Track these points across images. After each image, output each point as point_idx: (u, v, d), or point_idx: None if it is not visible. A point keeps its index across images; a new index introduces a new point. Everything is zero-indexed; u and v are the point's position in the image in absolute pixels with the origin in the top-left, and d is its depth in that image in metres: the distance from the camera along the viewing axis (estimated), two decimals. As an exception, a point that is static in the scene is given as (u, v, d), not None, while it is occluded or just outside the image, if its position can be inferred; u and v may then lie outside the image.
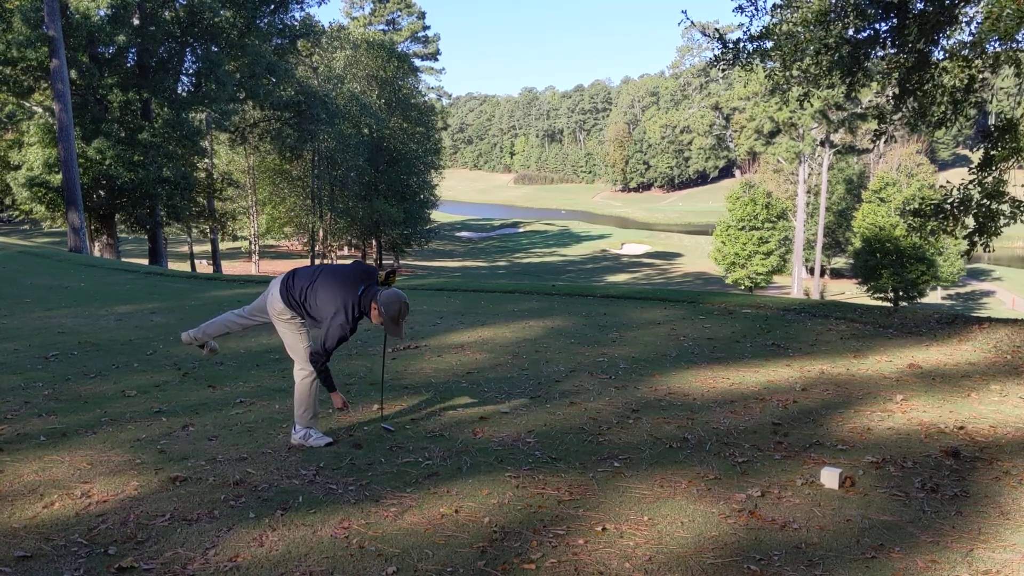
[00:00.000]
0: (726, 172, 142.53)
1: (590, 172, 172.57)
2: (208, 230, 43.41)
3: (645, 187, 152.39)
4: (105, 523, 4.08)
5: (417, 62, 68.44)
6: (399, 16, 71.26)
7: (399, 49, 63.05)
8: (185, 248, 52.76)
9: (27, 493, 4.48)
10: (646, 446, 5.24)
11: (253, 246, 53.19)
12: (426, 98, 68.27)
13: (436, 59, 76.30)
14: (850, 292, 52.38)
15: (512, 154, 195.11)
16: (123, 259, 31.42)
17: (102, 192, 30.46)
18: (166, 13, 32.57)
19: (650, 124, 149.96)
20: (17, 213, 36.12)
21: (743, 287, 50.69)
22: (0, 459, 5.02)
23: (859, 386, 6.68)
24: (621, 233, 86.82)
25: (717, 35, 12.56)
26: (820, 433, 5.49)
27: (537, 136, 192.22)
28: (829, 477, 4.55)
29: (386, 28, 70.65)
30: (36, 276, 14.91)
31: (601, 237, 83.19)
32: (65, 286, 13.72)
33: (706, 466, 4.86)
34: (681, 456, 5.05)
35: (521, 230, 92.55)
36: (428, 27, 73.85)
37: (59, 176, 26.72)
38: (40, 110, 30.41)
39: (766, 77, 12.53)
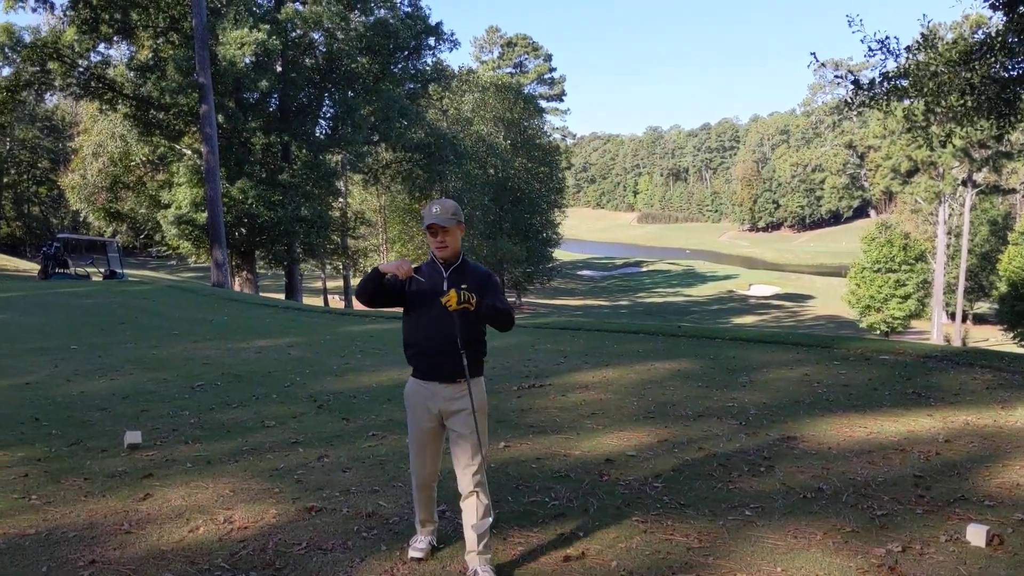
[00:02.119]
0: (860, 212, 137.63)
1: (716, 211, 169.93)
2: (341, 266, 45.02)
3: (774, 227, 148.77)
4: (246, 549, 4.26)
5: (543, 103, 69.50)
6: (526, 59, 72.65)
7: (525, 91, 64.22)
8: (319, 283, 54.84)
9: (174, 517, 4.74)
10: (779, 495, 5.09)
11: (382, 282, 54.63)
12: (550, 138, 69.08)
13: (561, 100, 77.32)
14: (995, 339, 49.35)
15: (635, 193, 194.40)
16: (261, 293, 32.93)
17: (244, 230, 32.04)
18: (307, 60, 34.23)
19: (780, 162, 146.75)
20: (165, 249, 38.46)
21: (879, 332, 48.54)
22: (150, 483, 5.33)
23: (1007, 439, 6.28)
24: (748, 274, 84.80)
25: (850, 75, 12.28)
26: (965, 487, 5.19)
27: (661, 175, 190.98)
28: (975, 534, 4.30)
29: (513, 71, 72.11)
30: (183, 310, 15.81)
31: (727, 277, 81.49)
32: (209, 319, 14.48)
33: (843, 518, 4.67)
34: (816, 507, 4.87)
35: (644, 269, 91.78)
36: (554, 69, 75.04)
37: (205, 214, 28.31)
38: (189, 152, 32.36)
39: (904, 116, 12.13)
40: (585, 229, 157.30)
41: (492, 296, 3.95)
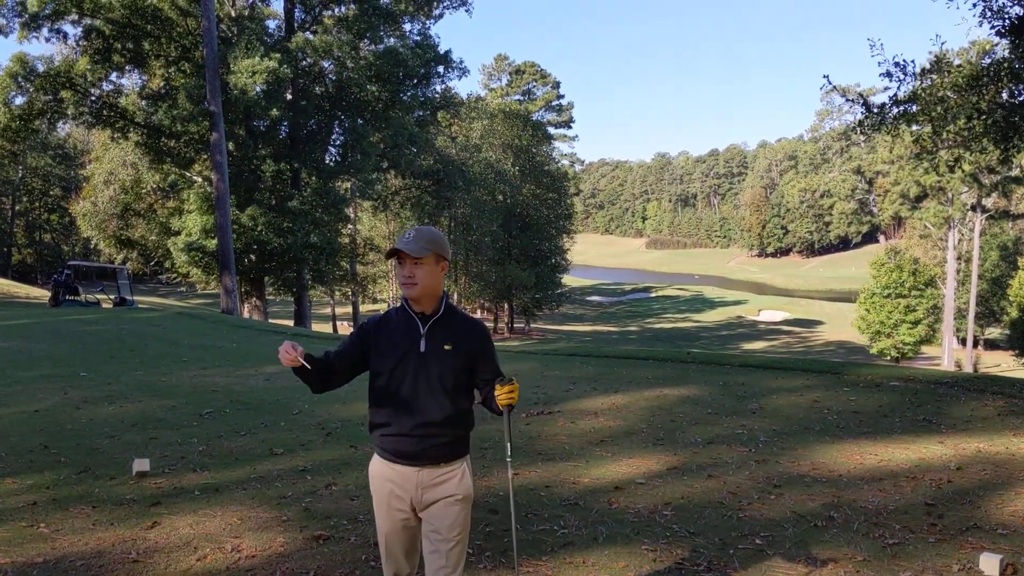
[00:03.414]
0: (869, 237, 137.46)
1: (725, 237, 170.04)
2: (350, 293, 45.15)
3: (783, 252, 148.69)
4: (254, 577, 4.24)
5: (551, 130, 69.87)
6: (534, 86, 73.11)
7: (534, 118, 64.61)
8: (328, 310, 54.96)
9: (182, 546, 4.72)
10: (789, 523, 5.04)
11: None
12: (559, 164, 69.43)
13: (569, 127, 77.71)
14: (1006, 365, 49.01)
15: (644, 218, 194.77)
16: (271, 320, 33.01)
17: (253, 256, 32.18)
18: (317, 88, 34.55)
19: (788, 188, 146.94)
20: (175, 276, 38.64)
21: (889, 358, 48.30)
22: (158, 511, 5.32)
23: (1020, 466, 6.22)
24: (758, 299, 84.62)
25: (860, 99, 12.31)
26: (978, 516, 5.14)
27: (670, 200, 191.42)
28: (989, 564, 4.25)
29: (521, 98, 72.56)
30: (192, 336, 15.86)
31: (737, 303, 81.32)
32: (218, 346, 14.51)
33: (854, 547, 4.62)
34: (827, 535, 4.83)
35: (653, 295, 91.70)
36: (562, 96, 75.50)
37: (215, 241, 28.47)
38: (199, 180, 32.60)
39: (913, 141, 12.14)
40: (594, 255, 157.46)
41: (490, 363, 3.18)
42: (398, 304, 3.25)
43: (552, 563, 4.40)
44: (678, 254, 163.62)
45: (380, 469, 3.23)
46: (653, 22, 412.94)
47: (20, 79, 29.28)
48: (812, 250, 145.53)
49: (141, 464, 6.17)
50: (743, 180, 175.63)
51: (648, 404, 8.77)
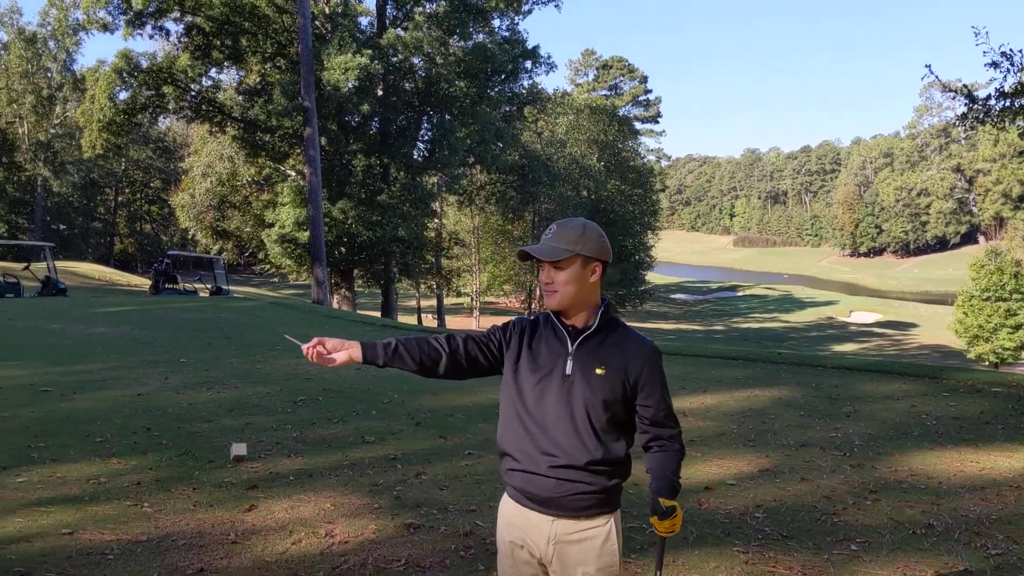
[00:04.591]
0: (968, 238, 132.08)
1: (816, 235, 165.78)
2: (435, 286, 45.70)
3: (876, 252, 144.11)
4: (347, 563, 4.34)
5: (637, 125, 69.32)
6: (621, 81, 72.62)
7: (620, 113, 64.17)
8: (412, 302, 55.70)
9: (278, 529, 4.86)
10: (886, 530, 4.90)
11: (475, 302, 55.31)
12: (645, 160, 68.81)
13: (656, 121, 76.95)
14: (1119, 373, 46.50)
15: (732, 216, 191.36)
16: (358, 311, 33.64)
17: (343, 249, 32.85)
18: (406, 84, 35.02)
19: (883, 186, 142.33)
20: (268, 267, 39.75)
21: (987, 363, 46.39)
22: (255, 495, 5.49)
23: None
24: (849, 300, 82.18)
25: (965, 91, 11.83)
26: (1091, 532, 4.90)
27: (759, 198, 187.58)
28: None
29: (608, 93, 72.16)
30: (285, 325, 16.27)
31: (827, 303, 79.16)
32: (311, 335, 14.86)
33: (955, 556, 4.47)
34: (926, 544, 4.67)
35: (740, 294, 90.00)
36: (650, 91, 74.80)
37: (307, 233, 29.17)
38: (293, 173, 33.42)
39: (1020, 136, 11.64)
40: (679, 252, 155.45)
41: (655, 396, 2.54)
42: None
43: (641, 561, 4.38)
44: (767, 252, 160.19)
45: (508, 512, 2.62)
46: (745, 15, 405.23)
47: (125, 74, 30.49)
48: (907, 250, 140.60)
49: (239, 448, 6.37)
50: (836, 177, 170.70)
51: (738, 405, 8.63)
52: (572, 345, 2.52)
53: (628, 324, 2.63)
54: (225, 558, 4.41)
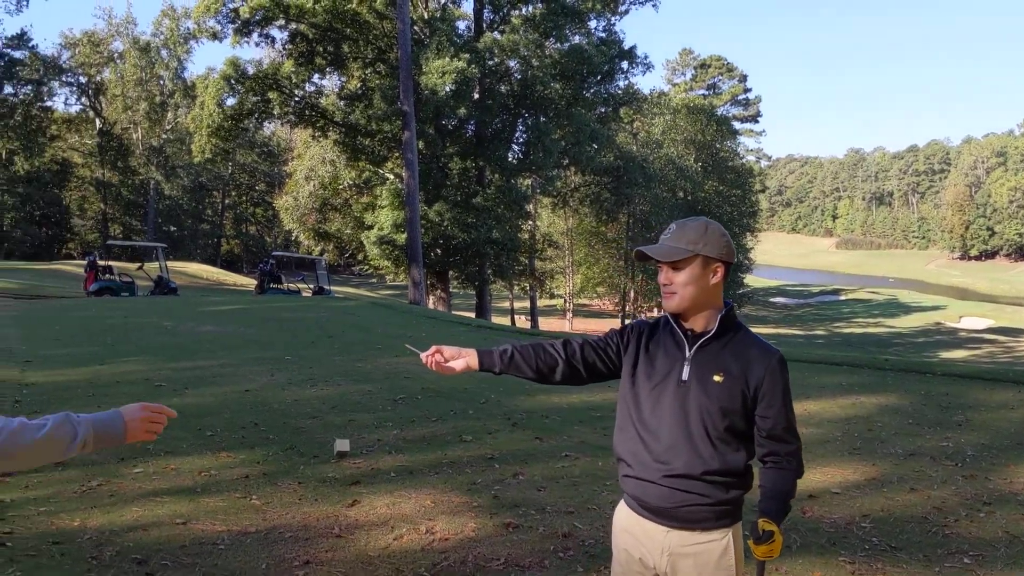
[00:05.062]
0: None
1: (923, 238, 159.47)
2: (528, 287, 45.84)
3: (988, 255, 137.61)
4: (447, 560, 4.41)
5: (736, 125, 68.04)
6: (720, 80, 71.47)
7: (718, 112, 63.09)
8: (505, 304, 56.03)
9: (380, 524, 4.97)
10: (1001, 544, 4.69)
11: (568, 304, 55.24)
12: (744, 160, 67.45)
13: (756, 121, 75.47)
14: None
15: (834, 217, 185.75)
16: (453, 312, 34.05)
17: (439, 251, 33.30)
18: (502, 87, 35.26)
19: (996, 187, 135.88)
20: (367, 268, 40.62)
21: (1113, 372, 43.78)
22: (358, 490, 5.62)
23: None
24: (959, 305, 78.72)
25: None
26: None
27: (863, 199, 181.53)
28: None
29: (706, 92, 71.09)
30: (384, 325, 16.59)
31: (935, 308, 76.02)
32: (409, 335, 15.12)
33: (1079, 577, 4.24)
34: (1047, 562, 4.45)
35: (843, 298, 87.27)
36: (749, 90, 73.39)
37: (404, 235, 29.67)
38: (391, 176, 34.06)
39: None
40: (779, 254, 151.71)
41: (775, 408, 2.39)
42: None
43: (746, 568, 4.30)
44: (871, 255, 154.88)
45: (623, 518, 2.55)
46: (849, 9, 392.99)
47: (232, 81, 31.64)
48: (1021, 253, 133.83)
49: (342, 445, 6.54)
50: (945, 178, 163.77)
51: (843, 412, 8.38)
52: (690, 350, 2.41)
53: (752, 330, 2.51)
54: (330, 551, 4.54)
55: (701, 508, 2.36)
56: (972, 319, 69.75)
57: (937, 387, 9.72)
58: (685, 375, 2.38)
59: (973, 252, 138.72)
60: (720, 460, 2.35)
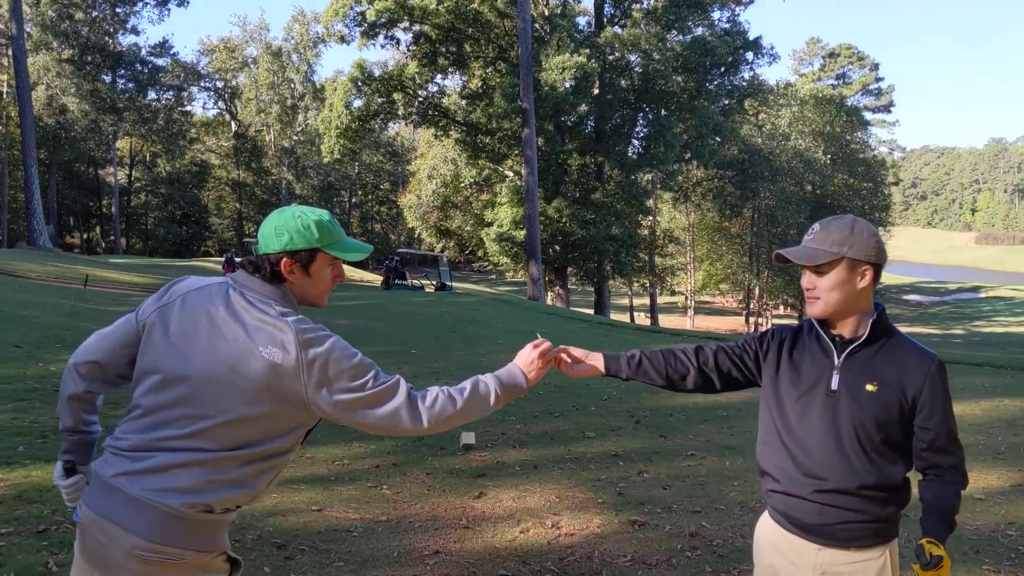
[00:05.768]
0: None
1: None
2: (648, 284, 45.33)
3: None
4: (573, 555, 4.41)
5: (867, 115, 65.28)
6: (850, 70, 68.83)
7: (848, 103, 60.68)
8: (624, 300, 55.60)
9: (506, 517, 5.02)
10: None
11: (689, 301, 54.35)
12: (876, 152, 64.66)
13: (889, 111, 72.33)
14: None
15: (974, 211, 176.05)
16: (572, 308, 34.06)
17: (557, 247, 33.37)
18: (622, 82, 35.01)
19: None
20: (487, 264, 41.11)
21: None
22: (484, 483, 5.70)
23: None
24: (1112, 303, 73.38)
25: None
26: None
27: (1005, 191, 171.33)
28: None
29: (835, 83, 68.60)
30: (505, 320, 16.78)
31: (1085, 306, 71.14)
32: (529, 331, 15.24)
33: None
34: None
35: (982, 295, 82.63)
36: (881, 79, 70.41)
37: (523, 232, 29.89)
38: (510, 174, 34.35)
39: None
40: (913, 250, 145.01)
41: (936, 418, 2.21)
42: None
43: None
44: (1014, 251, 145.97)
45: (769, 533, 2.39)
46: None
47: (359, 83, 32.59)
48: None
49: (468, 437, 6.64)
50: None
51: (985, 414, 7.96)
52: (839, 357, 2.26)
53: (906, 333, 2.32)
54: (458, 542, 4.61)
55: (857, 525, 2.21)
56: None
57: (1092, 391, 9.11)
58: (834, 384, 2.23)
59: None
60: (876, 474, 2.20)
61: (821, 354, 2.29)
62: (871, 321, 2.27)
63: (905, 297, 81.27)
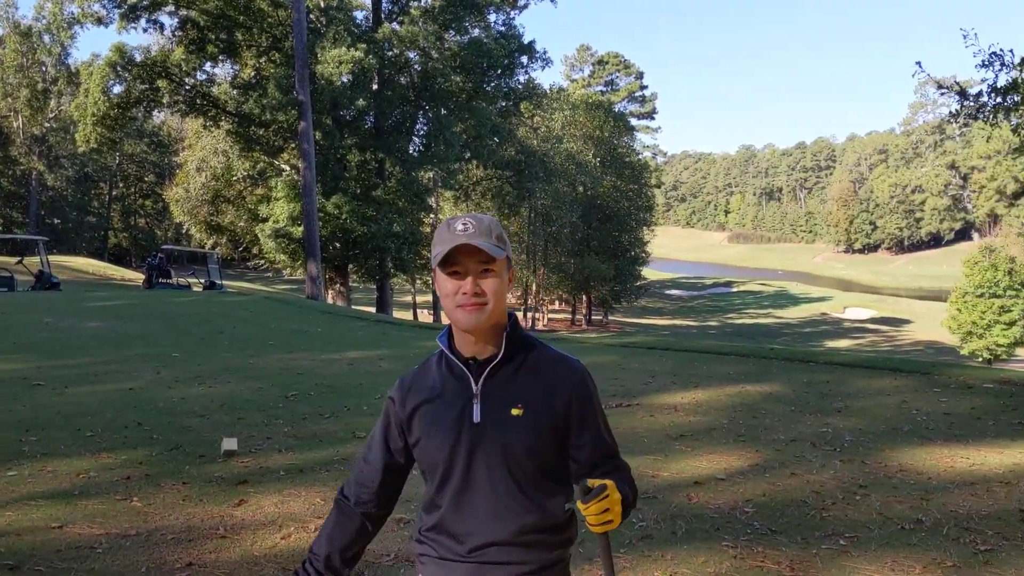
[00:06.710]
0: (963, 235, 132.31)
1: (810, 232, 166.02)
2: (430, 281, 45.59)
3: (871, 248, 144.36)
4: (336, 557, 4.33)
5: (633, 121, 69.28)
6: (617, 77, 72.62)
7: (616, 109, 64.10)
8: (408, 298, 55.68)
9: (268, 524, 4.86)
10: (875, 525, 4.91)
11: (469, 297, 55.21)
12: (640, 156, 68.76)
13: (652, 118, 77.08)
14: (1112, 370, 46.60)
15: (727, 212, 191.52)
16: (353, 306, 33.62)
17: (338, 244, 32.80)
18: (402, 79, 34.95)
19: (878, 183, 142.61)
20: (263, 262, 39.71)
21: (981, 359, 46.53)
22: (245, 490, 5.49)
23: None
24: (843, 296, 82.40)
25: (957, 88, 11.86)
26: (1080, 527, 4.91)
27: (754, 194, 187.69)
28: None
29: (604, 89, 72.14)
30: (279, 321, 16.27)
31: (821, 299, 79.38)
32: (304, 331, 14.86)
33: (943, 552, 4.47)
34: (915, 539, 4.68)
35: (734, 290, 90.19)
36: (645, 87, 74.84)
37: (301, 228, 29.11)
38: (287, 168, 33.36)
39: (1012, 131, 11.67)
40: (674, 248, 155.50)
41: (589, 432, 1.96)
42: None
43: (630, 556, 4.38)
44: (761, 249, 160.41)
45: None
46: (742, 11, 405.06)
47: (118, 68, 30.43)
48: (901, 247, 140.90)
49: (229, 443, 6.37)
50: (831, 174, 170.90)
51: (729, 400, 8.63)
52: (477, 382, 1.92)
53: (546, 343, 2.03)
54: (214, 552, 4.42)
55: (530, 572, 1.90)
56: (856, 310, 73.16)
57: (819, 375, 10.12)
58: (476, 416, 1.89)
59: (857, 246, 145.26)
60: (537, 513, 1.90)
61: (457, 384, 1.94)
62: (506, 334, 1.94)
63: (667, 292, 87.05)
